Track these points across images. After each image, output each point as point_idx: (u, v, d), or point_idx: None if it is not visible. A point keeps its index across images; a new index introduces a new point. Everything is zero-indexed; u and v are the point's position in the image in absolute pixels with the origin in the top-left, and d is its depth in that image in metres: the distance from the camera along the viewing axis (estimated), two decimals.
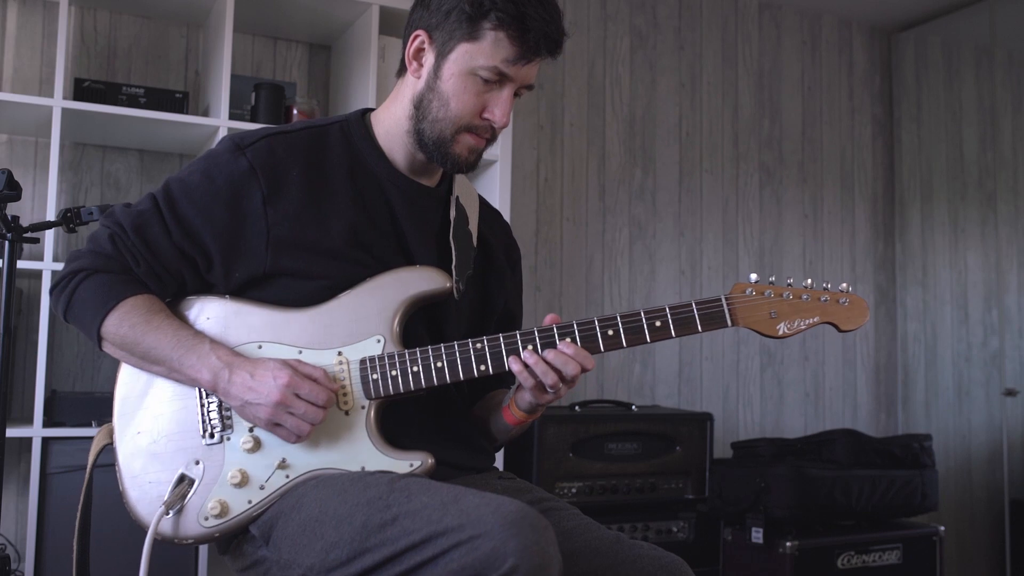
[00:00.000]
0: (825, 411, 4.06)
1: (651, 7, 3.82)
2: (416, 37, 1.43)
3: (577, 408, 3.12)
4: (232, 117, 2.74)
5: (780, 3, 4.09)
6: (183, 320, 1.41)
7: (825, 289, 1.42)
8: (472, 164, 1.46)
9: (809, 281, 1.42)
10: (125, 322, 1.36)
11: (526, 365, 1.34)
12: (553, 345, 1.35)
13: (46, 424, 2.45)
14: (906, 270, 4.22)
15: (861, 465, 3.19)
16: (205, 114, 2.86)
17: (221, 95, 2.68)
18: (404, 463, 1.34)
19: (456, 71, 1.39)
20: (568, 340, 1.35)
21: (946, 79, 4.15)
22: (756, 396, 3.91)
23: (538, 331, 1.36)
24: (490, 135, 1.44)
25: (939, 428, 3.99)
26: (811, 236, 4.10)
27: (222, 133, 2.66)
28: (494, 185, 2.91)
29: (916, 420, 4.11)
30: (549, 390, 1.36)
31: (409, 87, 1.45)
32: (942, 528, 3.19)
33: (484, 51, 1.37)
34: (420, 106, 1.43)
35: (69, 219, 2.15)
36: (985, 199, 3.99)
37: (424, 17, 1.42)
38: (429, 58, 1.42)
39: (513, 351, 1.36)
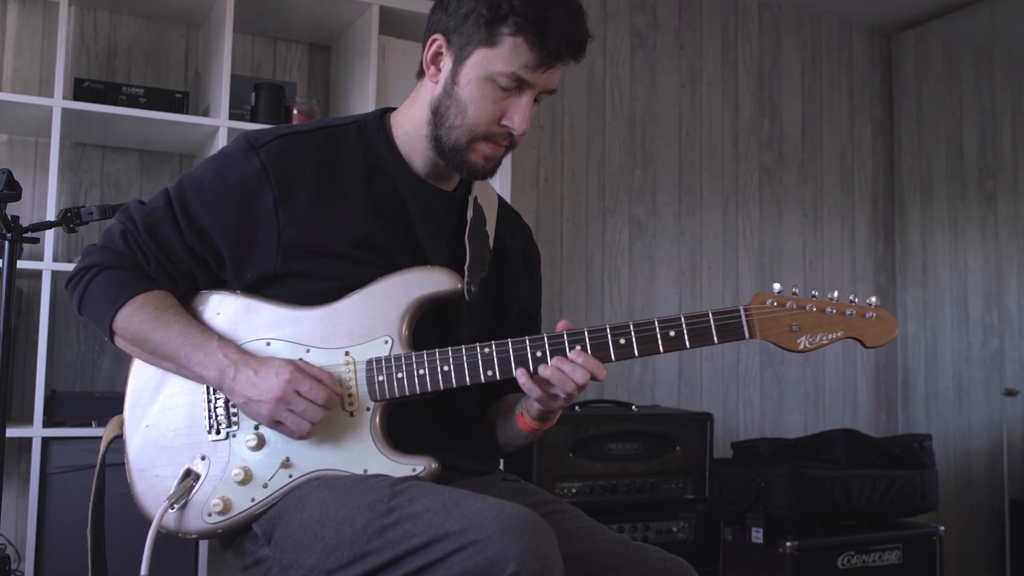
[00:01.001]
0: (825, 411, 4.06)
1: (651, 7, 3.82)
2: (434, 41, 1.39)
3: (577, 408, 3.12)
4: (232, 117, 2.73)
5: (780, 3, 4.09)
6: (195, 315, 1.41)
7: (851, 302, 1.34)
8: (488, 172, 1.43)
9: (836, 293, 1.35)
10: (135, 318, 1.36)
11: (533, 377, 1.31)
12: (563, 352, 1.32)
13: (46, 424, 2.45)
14: (906, 270, 4.22)
15: (861, 465, 3.19)
16: (205, 114, 2.86)
17: (221, 95, 2.67)
18: (407, 467, 1.33)
19: (474, 77, 1.35)
20: (579, 348, 1.31)
21: (946, 79, 4.15)
22: (756, 396, 3.91)
23: (548, 338, 1.33)
24: (509, 142, 1.40)
25: (939, 428, 3.99)
26: (811, 236, 4.10)
27: (222, 133, 2.66)
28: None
29: (916, 420, 4.11)
30: (562, 395, 1.32)
31: (427, 91, 1.42)
32: (942, 528, 3.19)
33: (502, 57, 1.33)
34: (438, 112, 1.40)
35: (69, 219, 2.14)
36: (985, 199, 3.99)
37: (442, 20, 1.38)
38: (447, 63, 1.39)
39: (521, 357, 1.33)
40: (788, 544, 2.90)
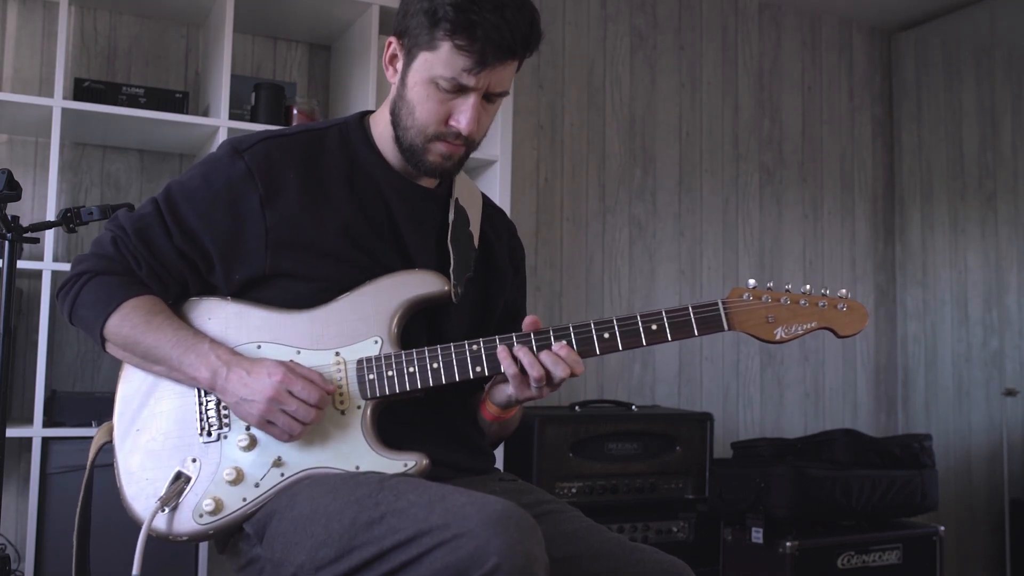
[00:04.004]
0: (825, 411, 4.06)
1: (651, 7, 3.82)
2: (390, 44, 1.44)
3: (577, 408, 3.12)
4: (232, 117, 2.73)
5: (780, 3, 4.09)
6: (185, 321, 1.42)
7: (823, 294, 1.41)
8: (449, 170, 1.46)
9: (808, 286, 1.41)
10: (126, 322, 1.38)
11: (515, 358, 1.34)
12: (549, 347, 1.35)
13: (46, 424, 2.45)
14: (906, 270, 4.22)
15: (861, 465, 3.19)
16: (205, 114, 2.86)
17: (221, 95, 2.68)
18: (398, 463, 1.34)
19: (419, 80, 1.38)
20: (564, 343, 1.35)
21: (946, 79, 4.15)
22: (756, 396, 3.91)
23: (534, 334, 1.37)
24: (463, 141, 1.42)
25: (939, 428, 3.98)
26: (811, 236, 4.10)
27: (222, 133, 2.66)
28: (494, 185, 2.91)
29: (916, 420, 4.10)
30: (533, 385, 1.35)
31: (391, 92, 1.46)
32: (942, 528, 3.19)
33: (440, 61, 1.35)
34: (394, 112, 1.44)
35: (69, 219, 2.15)
36: (985, 199, 3.99)
37: (396, 23, 1.42)
38: (400, 65, 1.43)
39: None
40: (788, 544, 2.90)
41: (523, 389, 1.37)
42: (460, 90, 1.37)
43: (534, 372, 1.34)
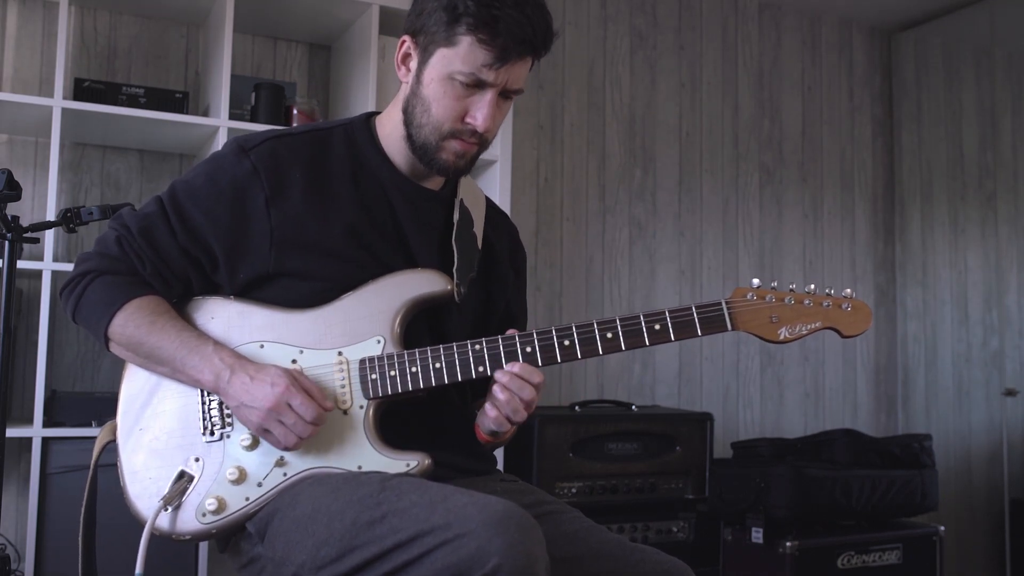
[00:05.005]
0: (825, 411, 4.06)
1: (651, 7, 3.82)
2: (403, 42, 1.44)
3: (577, 408, 3.12)
4: (232, 117, 2.73)
5: (780, 3, 4.09)
6: (188, 321, 1.42)
7: (828, 294, 1.40)
8: (462, 169, 1.46)
9: (812, 286, 1.41)
10: (130, 323, 1.38)
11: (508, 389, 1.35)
12: (551, 348, 1.36)
13: (46, 424, 2.45)
14: (906, 270, 4.22)
15: (861, 465, 3.19)
16: (205, 114, 2.86)
17: (221, 95, 2.68)
18: (401, 463, 1.34)
19: (435, 76, 1.39)
20: (514, 362, 1.35)
21: (946, 79, 4.15)
22: (756, 396, 3.91)
23: (537, 334, 1.37)
24: (478, 140, 1.42)
25: (939, 428, 3.98)
26: (811, 236, 4.10)
27: (222, 133, 2.66)
28: (494, 185, 2.91)
29: (916, 420, 4.10)
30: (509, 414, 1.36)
31: (401, 92, 1.46)
32: (942, 528, 3.19)
33: (460, 56, 1.36)
34: (407, 111, 1.44)
35: (69, 219, 2.15)
36: (985, 199, 3.99)
37: (411, 22, 1.43)
38: (414, 63, 1.43)
39: (511, 353, 1.36)
40: (788, 544, 2.90)
41: (501, 423, 1.38)
42: (478, 85, 1.38)
43: (518, 417, 1.36)
